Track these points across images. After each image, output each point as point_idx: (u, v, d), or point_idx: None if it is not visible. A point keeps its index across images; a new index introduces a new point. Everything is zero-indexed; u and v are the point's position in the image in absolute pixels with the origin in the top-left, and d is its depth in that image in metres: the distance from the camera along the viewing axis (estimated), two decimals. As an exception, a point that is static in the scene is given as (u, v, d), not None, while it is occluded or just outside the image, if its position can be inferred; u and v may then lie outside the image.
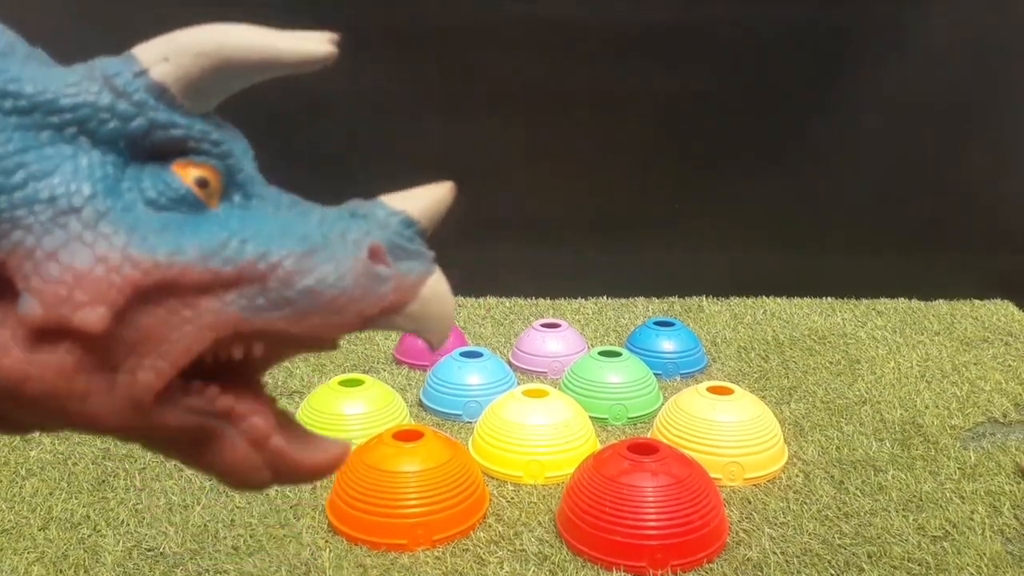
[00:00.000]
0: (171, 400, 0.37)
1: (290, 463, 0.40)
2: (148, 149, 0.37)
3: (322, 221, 0.39)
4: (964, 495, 1.09)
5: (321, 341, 0.38)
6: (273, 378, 1.45)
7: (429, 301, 0.40)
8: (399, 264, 0.39)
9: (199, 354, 0.36)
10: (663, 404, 1.25)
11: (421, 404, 1.36)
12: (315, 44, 0.39)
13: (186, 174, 0.37)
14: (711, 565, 0.95)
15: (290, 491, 1.10)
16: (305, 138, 1.79)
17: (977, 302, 1.86)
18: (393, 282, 0.38)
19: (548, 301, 1.88)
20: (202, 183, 0.38)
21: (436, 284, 0.40)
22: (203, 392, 0.38)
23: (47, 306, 0.33)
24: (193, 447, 0.38)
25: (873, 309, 1.83)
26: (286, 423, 0.41)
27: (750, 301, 1.87)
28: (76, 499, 1.08)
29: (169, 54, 0.38)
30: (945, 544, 0.99)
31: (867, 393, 1.40)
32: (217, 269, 0.35)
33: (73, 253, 0.34)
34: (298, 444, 0.40)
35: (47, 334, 0.33)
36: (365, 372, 1.36)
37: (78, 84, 0.37)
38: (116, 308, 0.34)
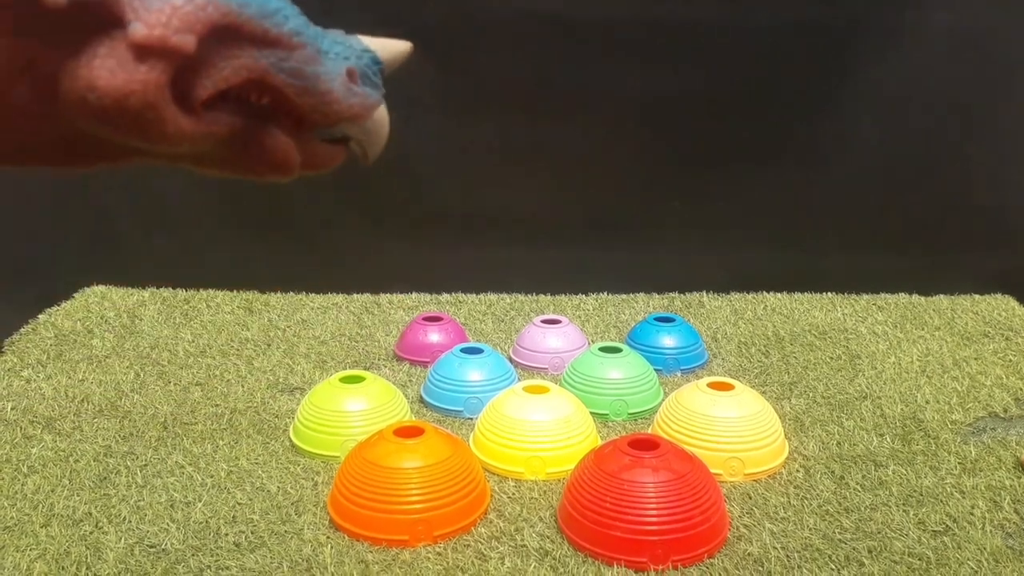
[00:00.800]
0: (218, 108, 0.46)
1: (315, 149, 0.51)
2: None
3: (327, 38, 0.49)
4: (964, 490, 1.09)
5: (302, 119, 0.49)
6: (274, 374, 1.45)
7: (378, 121, 0.54)
8: (364, 88, 0.51)
9: (232, 84, 0.45)
10: (664, 400, 1.26)
11: (422, 400, 1.36)
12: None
13: None
14: (712, 560, 0.95)
15: (291, 488, 1.10)
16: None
17: (978, 297, 1.85)
18: (359, 99, 0.50)
19: (548, 297, 1.89)
20: None
21: (384, 111, 0.54)
22: (244, 103, 0.47)
23: (151, 28, 0.41)
24: (236, 145, 0.48)
25: (874, 304, 1.83)
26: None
27: (750, 297, 1.87)
28: (78, 496, 1.08)
29: None
30: (945, 539, 0.99)
31: (868, 388, 1.40)
32: (267, 28, 0.45)
33: None
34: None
35: (147, 55, 0.41)
36: (366, 369, 1.37)
37: None
38: (199, 37, 0.42)
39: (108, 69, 0.41)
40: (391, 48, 0.55)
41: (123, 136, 0.44)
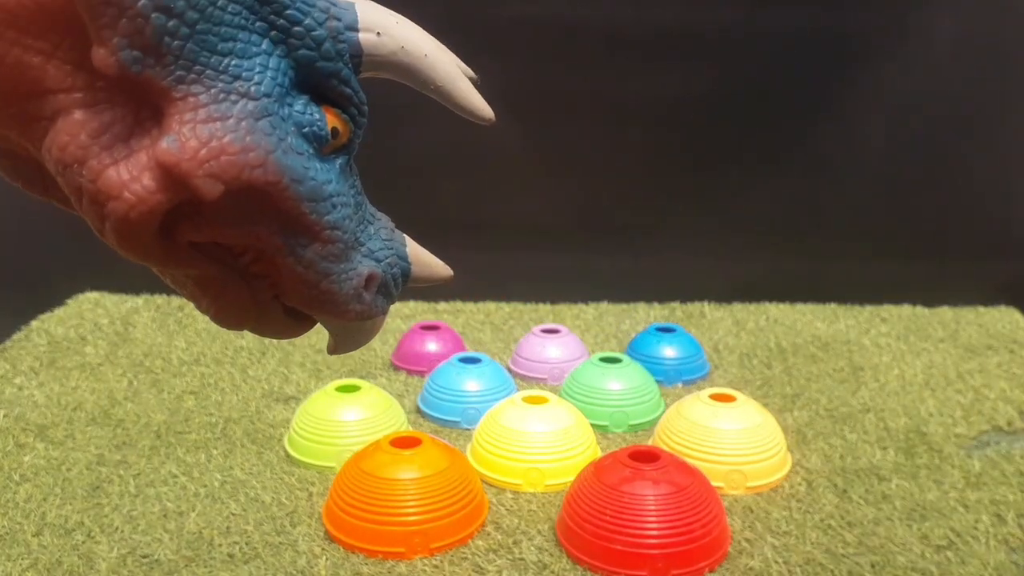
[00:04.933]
0: (202, 249, 0.42)
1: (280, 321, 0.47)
2: (313, 85, 0.42)
3: (371, 227, 0.46)
4: (968, 504, 1.08)
5: (291, 298, 0.45)
6: (268, 383, 1.44)
7: (365, 328, 0.49)
8: (375, 297, 0.47)
9: (232, 240, 0.41)
10: (665, 411, 1.24)
11: (419, 410, 1.35)
12: (482, 106, 0.51)
13: (329, 120, 0.43)
14: (713, 574, 0.94)
15: (286, 499, 1.09)
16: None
17: (982, 309, 1.84)
18: (361, 308, 0.46)
19: (548, 306, 1.87)
20: (334, 134, 0.43)
21: (377, 323, 0.50)
22: (236, 255, 0.43)
23: (184, 156, 0.37)
24: (197, 284, 0.44)
25: (877, 316, 1.82)
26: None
27: (752, 307, 1.86)
28: (70, 505, 1.07)
29: (383, 31, 0.44)
30: (949, 554, 0.97)
31: (871, 401, 1.38)
32: (305, 213, 0.41)
33: (229, 129, 0.37)
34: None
35: (163, 176, 0.37)
36: (362, 378, 1.35)
37: (311, 7, 0.41)
38: (230, 190, 0.38)
39: (114, 158, 0.37)
40: (429, 269, 0.50)
41: (79, 212, 0.40)
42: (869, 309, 1.86)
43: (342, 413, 1.19)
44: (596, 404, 1.29)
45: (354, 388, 1.23)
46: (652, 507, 0.94)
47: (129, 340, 1.63)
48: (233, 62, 0.38)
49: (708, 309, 1.86)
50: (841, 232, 1.90)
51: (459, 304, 1.85)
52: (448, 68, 0.47)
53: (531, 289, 1.90)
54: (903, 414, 1.33)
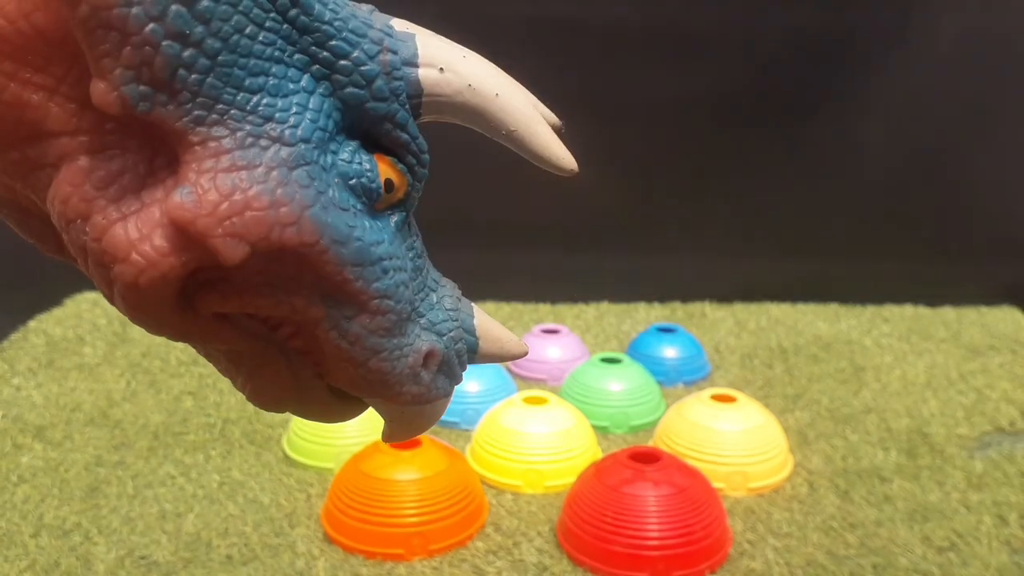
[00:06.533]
0: (232, 321, 0.36)
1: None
2: (363, 130, 0.36)
3: (433, 296, 0.39)
4: (970, 505, 1.07)
5: (336, 378, 0.38)
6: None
7: (424, 413, 0.41)
8: (436, 376, 0.39)
9: (264, 311, 0.35)
10: (665, 412, 1.24)
11: (419, 411, 1.34)
12: (563, 155, 0.44)
13: (383, 170, 0.36)
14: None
15: (284, 500, 1.08)
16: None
17: (984, 309, 1.84)
18: (420, 389, 0.39)
19: (548, 306, 1.87)
20: (388, 187, 0.36)
21: (439, 407, 0.41)
22: (272, 327, 0.37)
23: (201, 211, 0.31)
24: (229, 360, 0.38)
25: (879, 316, 1.81)
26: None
27: (753, 307, 1.86)
28: (68, 506, 1.06)
29: (447, 67, 0.38)
30: (951, 555, 0.97)
31: (873, 402, 1.38)
32: (350, 280, 0.34)
33: (256, 180, 0.31)
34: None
35: (178, 236, 0.31)
36: (363, 378, 1.34)
37: (361, 37, 0.35)
38: (257, 252, 0.32)
39: (122, 213, 0.32)
40: (500, 345, 0.43)
41: (86, 274, 0.34)
42: (871, 309, 1.85)
43: (341, 414, 1.18)
44: (596, 405, 1.28)
45: (353, 389, 1.22)
46: (653, 508, 0.93)
47: (127, 340, 1.63)
48: (264, 100, 0.32)
49: (709, 309, 1.86)
50: (843, 232, 1.89)
51: (459, 304, 1.85)
52: (524, 110, 0.40)
53: (531, 289, 1.89)
54: (905, 415, 1.33)
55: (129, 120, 0.31)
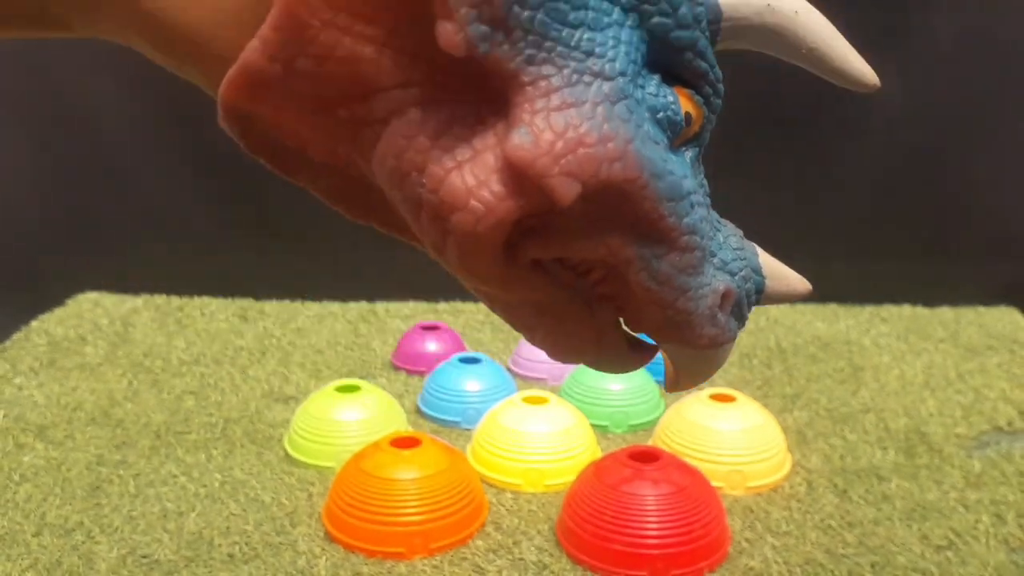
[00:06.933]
0: (542, 267, 0.35)
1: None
2: (662, 62, 0.34)
3: (719, 235, 0.38)
4: (968, 504, 1.08)
5: (642, 323, 0.37)
6: (268, 384, 1.44)
7: (713, 358, 0.39)
8: (729, 318, 0.38)
9: (582, 254, 0.34)
10: (664, 411, 1.24)
11: (419, 411, 1.34)
12: (864, 69, 0.41)
13: (682, 103, 0.35)
14: (713, 574, 0.94)
15: (286, 499, 1.09)
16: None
17: (982, 309, 1.84)
18: (716, 331, 0.37)
19: (549, 307, 1.87)
20: (687, 120, 0.35)
21: (725, 351, 0.40)
22: (581, 274, 0.36)
23: (539, 152, 0.30)
24: (535, 309, 0.37)
25: (877, 316, 1.81)
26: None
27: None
28: (70, 505, 1.07)
29: None
30: (949, 554, 0.97)
31: (871, 401, 1.38)
32: (664, 215, 0.33)
33: (585, 117, 0.30)
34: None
35: (514, 179, 0.30)
36: (362, 378, 1.35)
37: None
38: (586, 190, 0.31)
39: (457, 161, 0.31)
40: (787, 282, 0.43)
41: (417, 229, 0.34)
42: (869, 309, 1.86)
43: (342, 413, 1.19)
44: (596, 404, 1.29)
45: (354, 388, 1.23)
46: (652, 507, 0.94)
47: (129, 340, 1.63)
48: (586, 35, 0.31)
49: (708, 309, 1.86)
50: (841, 232, 1.89)
51: (459, 304, 1.85)
52: (823, 25, 0.39)
53: (531, 289, 1.89)
54: (903, 414, 1.33)
55: (456, 67, 0.30)
